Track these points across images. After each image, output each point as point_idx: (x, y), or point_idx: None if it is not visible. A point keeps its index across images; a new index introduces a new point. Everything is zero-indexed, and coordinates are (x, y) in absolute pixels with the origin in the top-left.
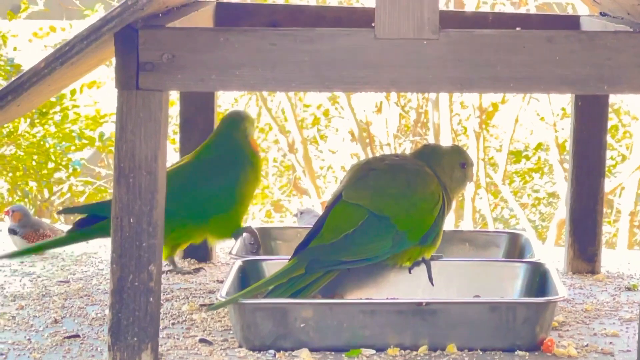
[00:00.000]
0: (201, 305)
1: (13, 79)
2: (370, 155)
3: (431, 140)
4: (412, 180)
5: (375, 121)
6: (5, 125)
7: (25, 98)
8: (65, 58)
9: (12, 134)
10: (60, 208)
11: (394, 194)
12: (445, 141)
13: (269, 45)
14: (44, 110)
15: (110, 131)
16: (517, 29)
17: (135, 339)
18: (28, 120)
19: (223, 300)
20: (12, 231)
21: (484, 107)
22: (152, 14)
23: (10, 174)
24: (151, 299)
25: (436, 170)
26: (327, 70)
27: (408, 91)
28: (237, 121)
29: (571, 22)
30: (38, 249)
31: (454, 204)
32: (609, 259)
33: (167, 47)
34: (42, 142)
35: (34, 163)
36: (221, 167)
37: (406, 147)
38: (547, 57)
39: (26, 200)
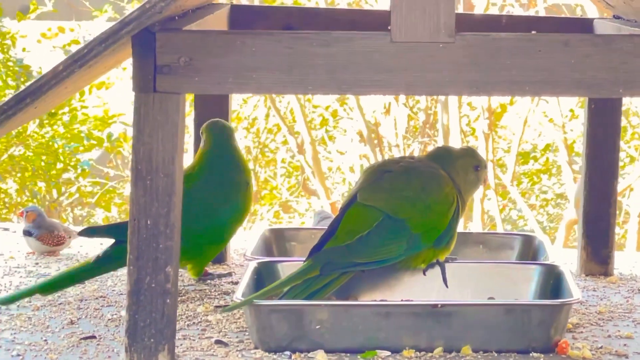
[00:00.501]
0: (216, 307)
1: (31, 81)
2: (379, 156)
3: (440, 141)
4: (427, 183)
5: (384, 122)
6: None
7: (42, 100)
8: (84, 61)
9: (21, 134)
10: (69, 208)
11: (409, 197)
12: (455, 143)
13: (285, 48)
14: (53, 111)
15: (119, 132)
16: (533, 32)
17: (152, 340)
18: (37, 120)
19: (238, 301)
20: (27, 233)
21: (492, 108)
22: (169, 17)
23: (19, 174)
24: (168, 300)
25: (450, 173)
26: (343, 74)
27: (424, 94)
28: (226, 130)
29: (585, 26)
30: (65, 283)
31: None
32: (621, 261)
33: (184, 50)
34: (50, 143)
35: (42, 163)
36: (228, 186)
37: (414, 149)
38: (562, 61)
39: (35, 200)
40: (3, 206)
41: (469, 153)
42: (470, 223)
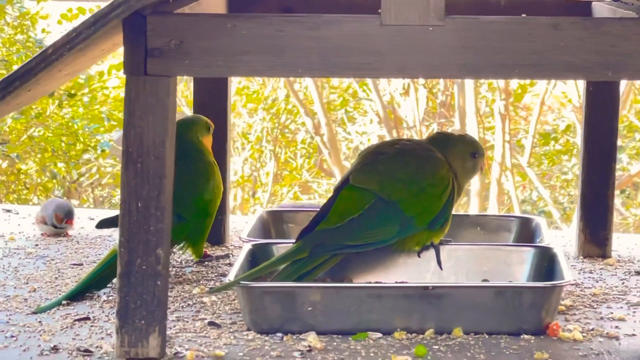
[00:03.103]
0: (210, 289)
1: (21, 65)
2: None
3: (457, 123)
4: (421, 165)
5: (403, 103)
6: (34, 107)
7: (35, 83)
8: (73, 44)
9: (40, 115)
10: (90, 189)
11: (403, 179)
12: (471, 124)
13: (276, 31)
14: (73, 91)
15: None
16: (523, 15)
17: (143, 322)
18: (56, 101)
19: (226, 283)
20: (56, 227)
21: (512, 89)
22: (162, 0)
23: (38, 155)
24: (159, 282)
25: (447, 157)
26: (334, 57)
27: (415, 77)
28: (189, 124)
29: (582, 9)
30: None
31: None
32: (621, 243)
33: (174, 33)
34: (70, 124)
35: (62, 144)
36: (204, 165)
37: (433, 129)
38: (552, 44)
39: (55, 181)
40: (23, 187)
41: (468, 140)
42: (487, 204)
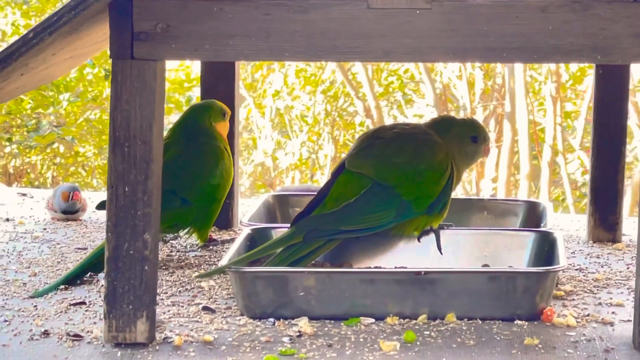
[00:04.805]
0: (200, 274)
1: (2, 49)
2: None
3: (507, 105)
4: (418, 150)
5: (459, 86)
6: (90, 90)
7: (23, 67)
8: (54, 28)
9: (97, 97)
10: None
11: (399, 163)
12: (521, 106)
13: (263, 15)
14: None
15: (196, 95)
16: None
17: (131, 307)
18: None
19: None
20: (69, 212)
21: (571, 72)
22: None
23: (96, 139)
24: (146, 267)
25: (446, 141)
26: (321, 40)
27: (402, 61)
28: (202, 109)
29: None
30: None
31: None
32: (635, 227)
33: (161, 16)
34: None
35: None
36: (214, 151)
37: (488, 112)
38: (540, 27)
39: None
40: (82, 169)
41: (468, 124)
42: (538, 183)
